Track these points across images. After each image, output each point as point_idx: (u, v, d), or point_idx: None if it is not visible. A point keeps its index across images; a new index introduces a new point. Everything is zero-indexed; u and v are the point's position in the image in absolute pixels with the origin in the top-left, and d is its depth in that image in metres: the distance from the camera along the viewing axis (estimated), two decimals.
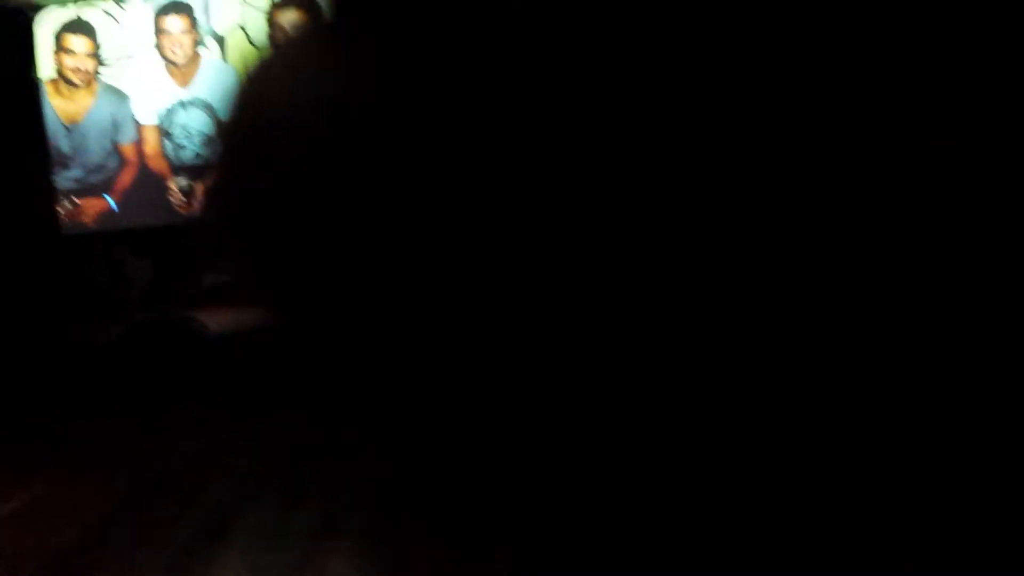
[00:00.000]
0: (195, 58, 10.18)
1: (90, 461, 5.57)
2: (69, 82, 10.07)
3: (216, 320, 8.55)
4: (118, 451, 5.74)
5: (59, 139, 10.03)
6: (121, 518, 4.57)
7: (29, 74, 9.90)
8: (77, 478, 5.24)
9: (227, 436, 5.88)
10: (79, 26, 10.11)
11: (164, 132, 10.19)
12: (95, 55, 10.12)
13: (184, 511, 4.53)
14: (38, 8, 9.94)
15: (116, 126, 10.16)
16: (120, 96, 10.16)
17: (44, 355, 7.65)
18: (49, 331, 8.06)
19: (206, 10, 10.14)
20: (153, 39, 10.12)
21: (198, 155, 10.17)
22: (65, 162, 10.02)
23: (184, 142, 10.20)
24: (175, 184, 10.17)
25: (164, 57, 10.15)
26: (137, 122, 10.12)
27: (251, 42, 10.14)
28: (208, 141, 10.14)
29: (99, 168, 10.16)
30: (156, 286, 9.14)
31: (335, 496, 4.52)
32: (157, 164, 10.21)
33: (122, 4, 10.09)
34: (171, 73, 10.16)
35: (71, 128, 10.10)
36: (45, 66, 10.00)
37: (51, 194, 9.93)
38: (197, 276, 10.04)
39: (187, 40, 10.16)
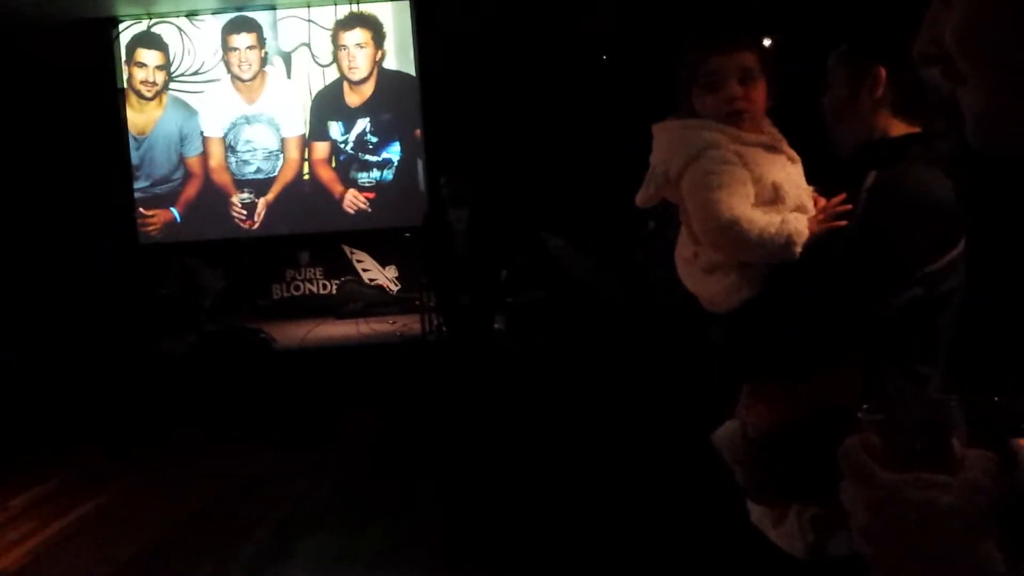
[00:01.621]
0: (261, 75, 10.39)
1: (157, 473, 5.74)
2: (139, 94, 10.30)
3: (282, 334, 8.72)
4: (188, 463, 5.90)
5: (128, 150, 10.27)
6: (189, 530, 4.72)
7: (113, 84, 10.14)
8: (144, 489, 5.43)
9: (294, 453, 5.97)
10: (151, 40, 10.35)
11: (229, 147, 10.40)
12: (165, 68, 10.37)
13: (250, 528, 4.62)
14: (117, 21, 10.18)
15: (183, 139, 10.37)
16: (188, 110, 10.38)
17: (122, 364, 7.81)
18: (127, 340, 8.21)
19: (273, 28, 10.34)
20: (221, 55, 10.36)
21: (260, 170, 10.37)
22: (133, 173, 10.27)
23: (248, 157, 10.40)
24: (237, 199, 10.38)
25: (231, 73, 10.37)
26: (204, 135, 10.41)
27: (316, 60, 10.32)
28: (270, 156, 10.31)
29: (165, 180, 10.37)
30: (228, 297, 9.29)
31: (399, 521, 4.60)
32: (221, 178, 10.40)
33: (194, 20, 10.30)
34: (238, 89, 10.36)
35: (139, 139, 10.33)
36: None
37: (131, 204, 10.18)
38: (267, 289, 10.26)
39: (254, 57, 10.37)
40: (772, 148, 2.13)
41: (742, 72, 2.09)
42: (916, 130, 2.01)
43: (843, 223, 2.00)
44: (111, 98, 10.02)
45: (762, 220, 1.99)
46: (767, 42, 2.21)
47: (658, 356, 6.25)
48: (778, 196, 2.05)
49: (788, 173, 2.12)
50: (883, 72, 1.99)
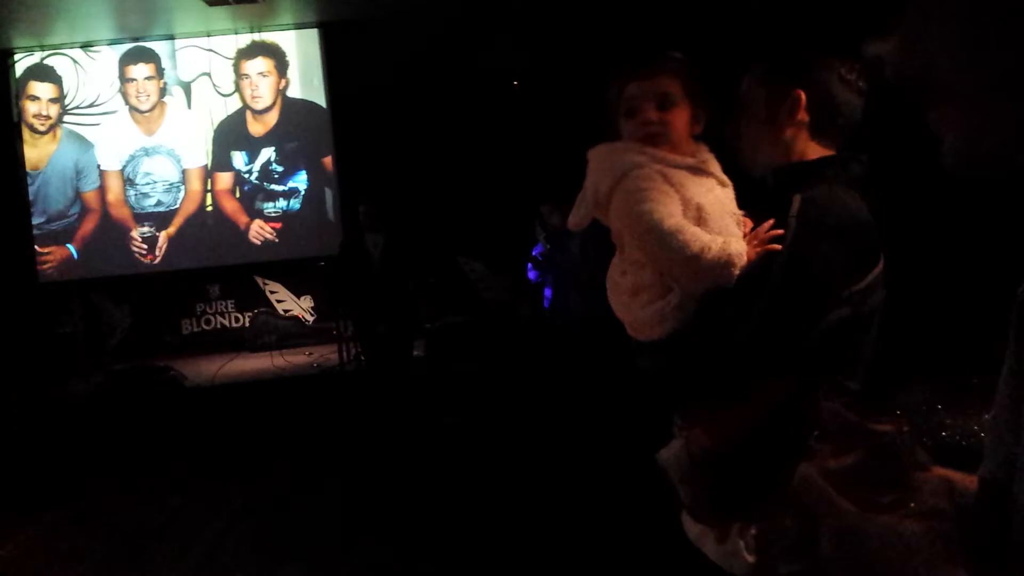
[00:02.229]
0: (160, 105, 10.13)
1: (64, 521, 5.44)
2: (32, 128, 9.93)
3: (193, 370, 8.48)
4: (94, 510, 5.62)
5: (25, 185, 9.90)
6: None
7: (8, 118, 9.76)
8: (49, 539, 5.12)
9: (207, 493, 5.80)
10: (44, 72, 10.00)
11: (128, 180, 10.10)
12: (59, 101, 10.03)
13: (166, 571, 4.44)
14: (11, 53, 9.82)
15: (79, 173, 10.03)
16: (84, 143, 10.04)
17: (23, 408, 7.48)
18: (29, 382, 7.89)
19: (172, 58, 10.11)
20: (119, 86, 10.08)
21: (161, 203, 10.10)
22: (27, 209, 9.88)
23: (148, 190, 10.12)
24: (137, 233, 10.08)
25: (129, 104, 10.08)
26: (100, 169, 10.07)
27: (217, 90, 10.14)
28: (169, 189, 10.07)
29: (61, 216, 9.98)
30: (135, 334, 9.02)
31: (319, 559, 4.47)
32: (120, 212, 10.08)
33: (89, 51, 10.01)
34: (136, 120, 10.08)
35: (33, 175, 9.96)
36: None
37: (30, 240, 9.78)
38: (176, 324, 9.97)
39: (152, 87, 10.11)
40: (698, 171, 2.18)
41: (660, 97, 2.16)
42: (831, 152, 2.07)
43: (777, 247, 2.06)
44: (6, 132, 9.64)
45: (705, 237, 2.03)
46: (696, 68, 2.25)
47: (579, 375, 6.32)
48: (701, 218, 2.09)
49: (716, 196, 2.17)
50: (802, 95, 2.06)
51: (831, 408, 1.96)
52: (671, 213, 2.03)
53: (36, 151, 9.98)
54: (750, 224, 2.16)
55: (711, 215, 2.09)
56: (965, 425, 2.81)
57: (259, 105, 10.16)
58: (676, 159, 2.13)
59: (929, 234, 4.66)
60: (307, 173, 10.12)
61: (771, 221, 2.09)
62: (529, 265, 7.47)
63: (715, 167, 2.21)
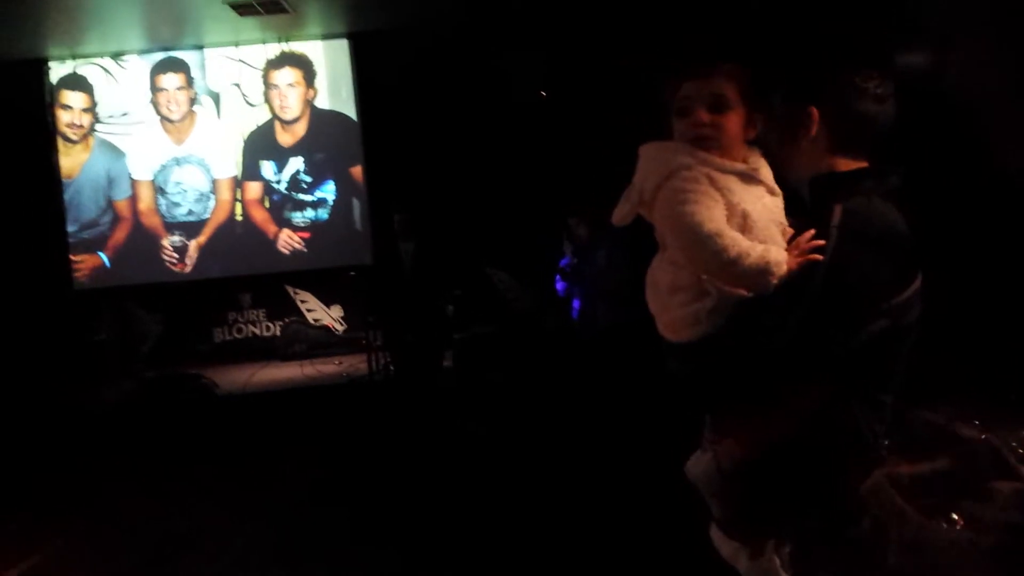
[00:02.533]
0: (191, 115, 10.22)
1: (94, 528, 5.47)
2: (65, 137, 10.03)
3: (225, 378, 8.54)
4: (123, 517, 5.64)
5: (61, 194, 10.01)
6: None
7: (45, 127, 9.87)
8: (79, 547, 5.15)
9: (236, 500, 5.82)
10: (76, 82, 10.11)
11: (159, 189, 10.19)
12: (91, 111, 10.14)
13: None
14: (43, 62, 9.93)
15: (110, 182, 10.13)
16: (115, 152, 10.14)
17: (56, 414, 7.54)
18: (63, 389, 7.95)
19: (202, 68, 10.20)
20: (149, 96, 10.17)
21: (191, 212, 10.18)
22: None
23: (178, 199, 10.20)
24: (168, 242, 10.16)
25: (160, 114, 10.17)
26: (132, 178, 10.17)
27: (246, 100, 10.21)
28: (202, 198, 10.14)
29: (93, 224, 10.09)
30: (167, 342, 9.08)
31: (347, 568, 4.47)
32: (151, 221, 10.17)
33: (120, 61, 10.10)
34: (166, 130, 10.17)
35: (66, 184, 10.05)
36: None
37: (65, 248, 9.89)
38: (208, 332, 10.07)
39: (183, 97, 10.20)
40: (749, 178, 2.16)
41: (713, 99, 2.14)
42: (863, 164, 2.06)
43: (819, 257, 2.05)
44: (43, 141, 9.75)
45: (745, 242, 2.02)
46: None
47: (607, 386, 6.32)
48: (746, 225, 2.08)
49: (764, 204, 2.16)
50: (815, 112, 2.06)
51: (919, 414, 1.96)
52: (712, 217, 2.02)
53: (69, 160, 10.08)
54: (790, 233, 2.15)
55: (756, 223, 2.08)
56: None
57: (287, 115, 10.22)
58: (726, 164, 2.12)
59: (967, 247, 4.64)
60: (335, 183, 10.17)
61: (812, 231, 2.09)
62: (557, 276, 7.49)
63: (767, 175, 2.20)
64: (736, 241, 2.03)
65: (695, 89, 2.18)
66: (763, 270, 2.03)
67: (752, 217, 2.11)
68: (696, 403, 2.31)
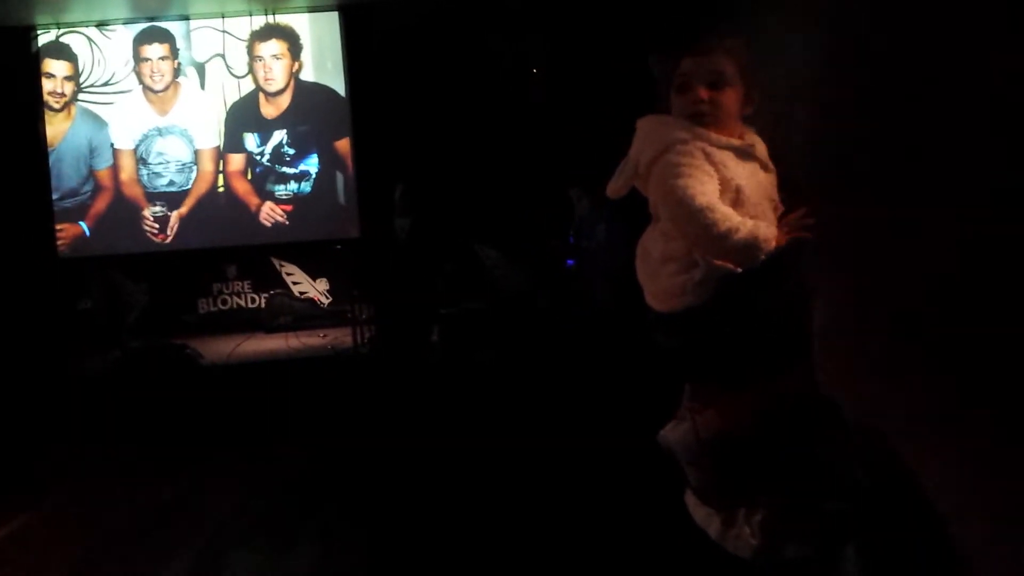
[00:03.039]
0: (174, 86, 10.14)
1: (75, 497, 5.49)
2: (47, 106, 9.92)
3: (209, 349, 8.54)
4: (106, 486, 5.65)
5: (47, 161, 9.92)
6: (110, 555, 4.51)
7: (31, 95, 9.77)
8: (59, 515, 5.16)
9: (220, 471, 5.85)
10: (60, 50, 10.00)
11: (140, 159, 10.12)
12: (74, 79, 10.04)
13: (175, 550, 4.45)
14: (31, 29, 9.82)
15: (92, 151, 10.04)
16: (98, 121, 10.05)
17: (41, 383, 7.51)
18: (47, 357, 7.90)
19: (187, 38, 10.12)
20: (133, 65, 10.09)
21: (173, 183, 10.13)
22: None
23: (160, 170, 10.14)
24: (149, 212, 10.10)
25: (143, 84, 10.09)
26: (114, 148, 10.08)
27: (231, 71, 10.16)
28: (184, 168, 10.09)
29: (74, 193, 10.00)
30: (152, 312, 9.03)
31: (329, 540, 4.51)
32: (132, 191, 10.08)
33: (104, 30, 10.01)
34: (150, 100, 10.08)
35: (47, 152, 9.96)
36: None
37: (51, 215, 9.81)
38: (192, 303, 10.03)
39: (166, 67, 10.11)
40: (744, 153, 2.25)
41: (712, 76, 2.22)
42: None
43: (807, 235, 2.13)
44: (30, 110, 9.66)
45: (735, 217, 2.10)
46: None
47: (593, 362, 6.41)
48: (738, 199, 2.16)
49: (758, 180, 2.24)
50: None
51: None
52: (705, 191, 2.10)
53: (51, 128, 9.97)
54: (781, 210, 2.23)
55: (749, 198, 2.17)
56: None
57: (272, 87, 10.18)
58: (722, 139, 2.20)
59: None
60: (318, 156, 10.15)
61: (804, 209, 2.18)
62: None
63: (761, 151, 2.28)
64: (727, 216, 2.10)
65: (694, 66, 2.24)
66: (752, 245, 2.10)
67: (745, 192, 2.19)
68: (679, 372, 2.38)
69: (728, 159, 2.22)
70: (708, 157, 2.18)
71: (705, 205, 2.10)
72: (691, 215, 2.11)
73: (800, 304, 2.22)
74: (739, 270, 2.13)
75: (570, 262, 7.51)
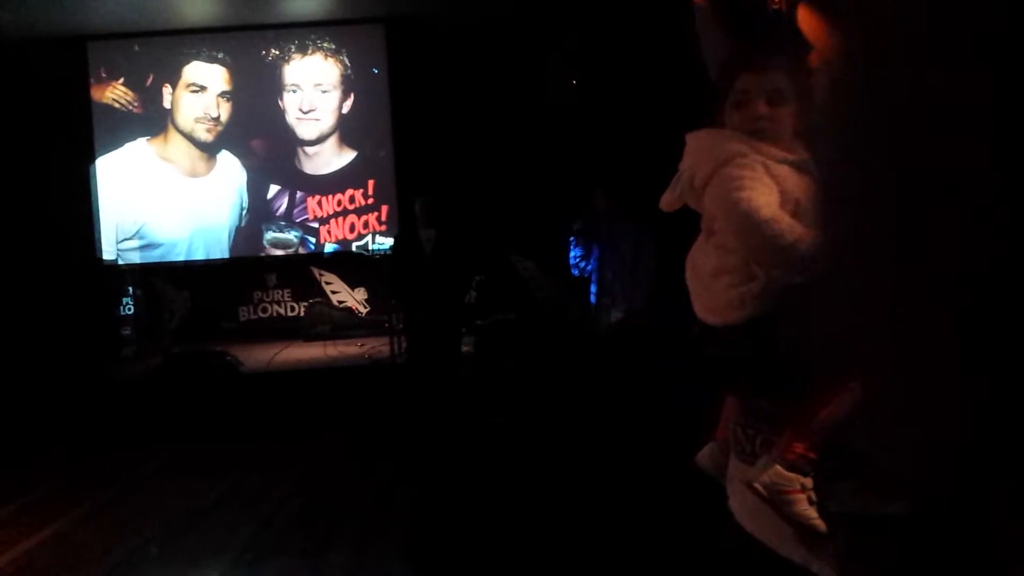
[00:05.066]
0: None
1: (116, 499, 5.61)
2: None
3: (249, 356, 8.65)
4: (147, 488, 5.80)
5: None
6: (148, 558, 4.61)
7: (86, 99, 10.02)
8: (101, 517, 5.26)
9: (257, 475, 5.91)
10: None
11: None
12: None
13: (215, 554, 4.55)
14: (90, 38, 10.08)
15: None
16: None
17: (84, 388, 7.67)
18: (90, 362, 8.07)
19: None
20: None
21: None
22: None
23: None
24: None
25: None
26: None
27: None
28: None
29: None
30: (194, 319, 9.16)
31: (363, 545, 4.56)
32: None
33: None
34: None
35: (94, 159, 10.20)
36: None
37: (96, 220, 10.05)
38: (234, 310, 10.21)
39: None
40: (801, 168, 2.20)
41: (771, 92, 2.17)
42: None
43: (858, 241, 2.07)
44: (81, 117, 9.92)
45: (800, 228, 2.05)
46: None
47: (624, 376, 6.36)
48: (797, 213, 2.12)
49: (812, 194, 2.20)
50: None
51: None
52: (769, 203, 2.06)
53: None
54: None
55: (807, 213, 2.13)
56: None
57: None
58: (780, 154, 2.15)
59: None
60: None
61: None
62: (572, 253, 7.45)
63: (813, 166, 2.24)
64: (793, 227, 2.06)
65: (753, 82, 2.20)
66: (817, 256, 2.06)
67: (804, 206, 2.15)
68: (729, 384, 2.33)
69: (786, 173, 2.19)
70: (768, 170, 2.16)
71: (771, 216, 2.07)
72: (756, 227, 2.08)
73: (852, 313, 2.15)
74: (801, 281, 2.09)
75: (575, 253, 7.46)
